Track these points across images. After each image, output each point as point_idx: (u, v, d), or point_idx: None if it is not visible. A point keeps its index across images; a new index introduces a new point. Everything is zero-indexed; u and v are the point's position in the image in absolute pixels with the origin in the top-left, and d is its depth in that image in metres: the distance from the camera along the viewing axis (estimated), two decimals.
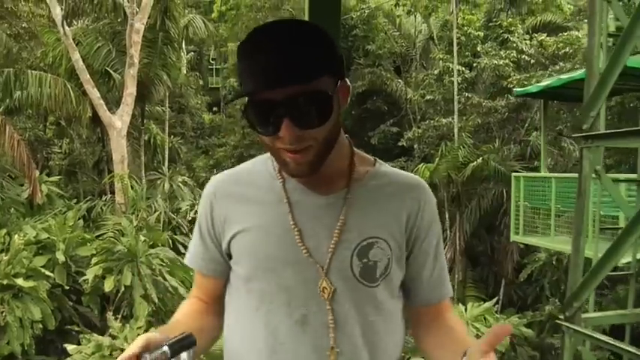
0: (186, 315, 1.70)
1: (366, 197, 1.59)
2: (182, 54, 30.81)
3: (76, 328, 15.07)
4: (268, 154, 1.61)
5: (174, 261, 16.84)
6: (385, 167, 1.69)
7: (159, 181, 23.51)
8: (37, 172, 21.85)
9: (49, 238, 16.67)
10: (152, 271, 16.03)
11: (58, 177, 23.21)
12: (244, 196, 1.63)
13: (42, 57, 24.71)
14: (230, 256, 1.65)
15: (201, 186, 27.65)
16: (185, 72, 34.85)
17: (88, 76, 20.90)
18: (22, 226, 17.66)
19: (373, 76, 30.31)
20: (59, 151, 28.16)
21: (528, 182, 12.93)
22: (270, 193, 1.60)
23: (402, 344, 1.67)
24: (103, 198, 21.54)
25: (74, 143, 27.38)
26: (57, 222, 17.36)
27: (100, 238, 18.02)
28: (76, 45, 23.18)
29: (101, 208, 20.44)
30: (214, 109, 36.58)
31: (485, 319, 15.49)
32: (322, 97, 1.41)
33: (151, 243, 17.37)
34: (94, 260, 16.10)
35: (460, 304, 16.23)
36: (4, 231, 16.82)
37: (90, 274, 15.85)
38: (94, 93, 20.88)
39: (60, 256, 16.08)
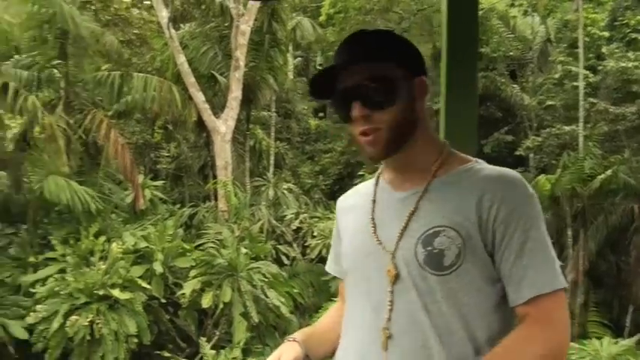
0: (329, 319, 1.88)
1: (442, 190, 1.57)
2: (289, 58, 29.47)
3: (167, 355, 13.62)
4: (378, 172, 1.76)
5: (276, 276, 15.21)
6: (480, 165, 1.62)
7: (263, 188, 22.03)
8: (142, 177, 20.83)
9: (147, 247, 15.41)
10: (253, 287, 14.44)
11: (162, 181, 22.11)
12: (351, 205, 1.78)
13: (150, 61, 23.78)
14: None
15: (307, 193, 26.13)
16: (292, 77, 33.56)
17: (193, 79, 19.66)
18: (122, 232, 16.54)
19: (487, 81, 27.99)
20: (167, 154, 27.29)
21: None
22: (366, 197, 1.71)
23: (483, 342, 1.51)
24: (207, 204, 20.22)
25: (181, 147, 26.43)
26: (157, 229, 16.10)
27: (200, 248, 16.66)
28: (183, 48, 22.10)
29: (203, 215, 19.10)
30: (320, 114, 35.16)
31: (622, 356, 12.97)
32: (386, 81, 1.55)
33: (253, 255, 15.84)
34: (192, 273, 14.69)
35: (595, 339, 13.76)
36: (104, 238, 15.67)
37: (188, 287, 14.44)
38: (199, 97, 19.61)
39: (158, 267, 14.75)
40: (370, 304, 1.58)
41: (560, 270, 1.52)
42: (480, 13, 28.21)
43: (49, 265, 15.49)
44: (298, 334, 1.75)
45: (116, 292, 13.89)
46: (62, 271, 15.01)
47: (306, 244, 20.01)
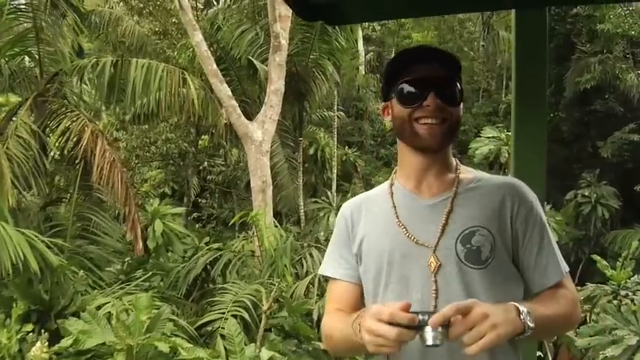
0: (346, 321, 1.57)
1: (468, 197, 1.56)
2: (360, 46, 21.43)
3: None
4: (388, 182, 1.66)
5: None
6: (482, 175, 1.65)
7: (322, 213, 13.97)
8: (156, 202, 13.12)
9: (104, 344, 7.61)
10: None
11: (184, 209, 14.32)
12: (367, 209, 1.65)
13: (179, 52, 15.99)
14: (359, 261, 1.63)
15: None
16: (364, 72, 25.44)
17: (214, 65, 11.73)
18: (87, 303, 8.87)
19: (604, 67, 19.00)
20: (222, 163, 19.61)
21: None
22: (383, 205, 1.61)
23: None
24: (237, 242, 12.20)
25: (230, 157, 18.71)
26: (130, 303, 8.29)
27: (205, 327, 8.82)
28: (216, 31, 14.31)
29: (229, 259, 11.10)
30: None
31: None
32: (458, 85, 1.55)
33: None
34: None
35: None
36: (30, 327, 7.83)
37: None
38: (223, 90, 11.68)
39: None
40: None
41: None
42: None
43: None
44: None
45: None
46: None
47: None
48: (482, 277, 1.48)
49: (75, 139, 11.18)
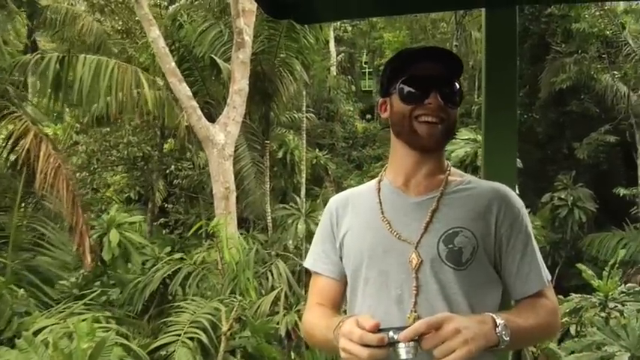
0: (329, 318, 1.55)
1: (454, 198, 1.53)
2: (331, 48, 20.53)
3: None
4: (376, 178, 1.63)
5: None
6: (472, 178, 1.62)
7: (291, 220, 13.04)
8: (115, 207, 12.06)
9: None
10: None
11: (142, 217, 13.26)
12: (353, 204, 1.62)
13: (140, 51, 14.92)
14: (342, 254, 1.60)
15: None
16: (335, 74, 24.61)
17: (173, 63, 10.75)
18: (26, 326, 7.84)
19: (581, 67, 18.43)
20: (189, 166, 18.52)
21: None
22: (369, 200, 1.59)
23: None
24: (200, 252, 11.20)
25: (196, 160, 17.67)
26: (75, 328, 7.29)
27: (159, 352, 7.85)
28: (178, 29, 13.34)
29: (187, 272, 10.09)
30: (367, 116, 26.28)
31: None
32: (460, 87, 1.54)
33: None
34: None
35: None
36: None
37: None
38: (182, 90, 10.71)
39: None
40: (390, 299, 1.47)
41: None
42: None
43: None
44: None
45: None
46: None
47: None
48: (460, 278, 1.45)
49: (21, 142, 10.13)
